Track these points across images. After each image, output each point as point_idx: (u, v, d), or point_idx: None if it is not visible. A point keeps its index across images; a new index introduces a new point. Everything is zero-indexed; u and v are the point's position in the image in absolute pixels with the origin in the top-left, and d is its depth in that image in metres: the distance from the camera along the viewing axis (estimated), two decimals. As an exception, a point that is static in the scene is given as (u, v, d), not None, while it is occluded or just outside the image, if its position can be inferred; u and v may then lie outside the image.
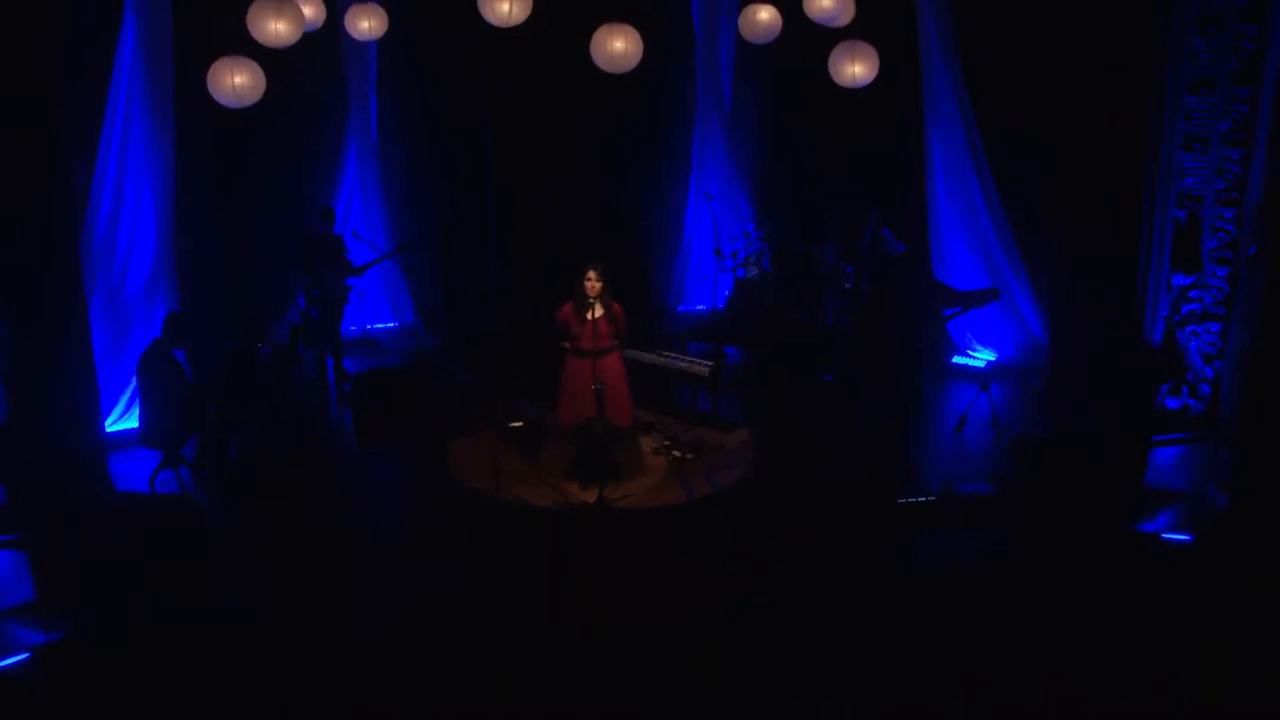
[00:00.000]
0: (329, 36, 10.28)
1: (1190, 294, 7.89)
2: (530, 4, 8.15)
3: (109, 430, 9.03)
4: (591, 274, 8.05)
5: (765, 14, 9.45)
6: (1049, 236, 8.85)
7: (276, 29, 7.92)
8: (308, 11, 8.92)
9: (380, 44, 11.08)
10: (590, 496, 8.02)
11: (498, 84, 11.14)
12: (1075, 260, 8.29)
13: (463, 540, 7.49)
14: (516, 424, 8.57)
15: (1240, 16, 7.42)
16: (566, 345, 8.32)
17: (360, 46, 10.97)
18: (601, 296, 8.10)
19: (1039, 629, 6.46)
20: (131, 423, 9.11)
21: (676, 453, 8.86)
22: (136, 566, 6.83)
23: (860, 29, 8.92)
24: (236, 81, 7.89)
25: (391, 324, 11.99)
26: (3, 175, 7.86)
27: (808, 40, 9.34)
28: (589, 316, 8.12)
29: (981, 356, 10.65)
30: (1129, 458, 7.93)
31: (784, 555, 7.30)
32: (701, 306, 12.21)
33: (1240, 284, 7.71)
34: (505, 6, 8.06)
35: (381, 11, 9.53)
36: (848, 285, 10.32)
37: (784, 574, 7.09)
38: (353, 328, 11.71)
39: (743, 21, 9.56)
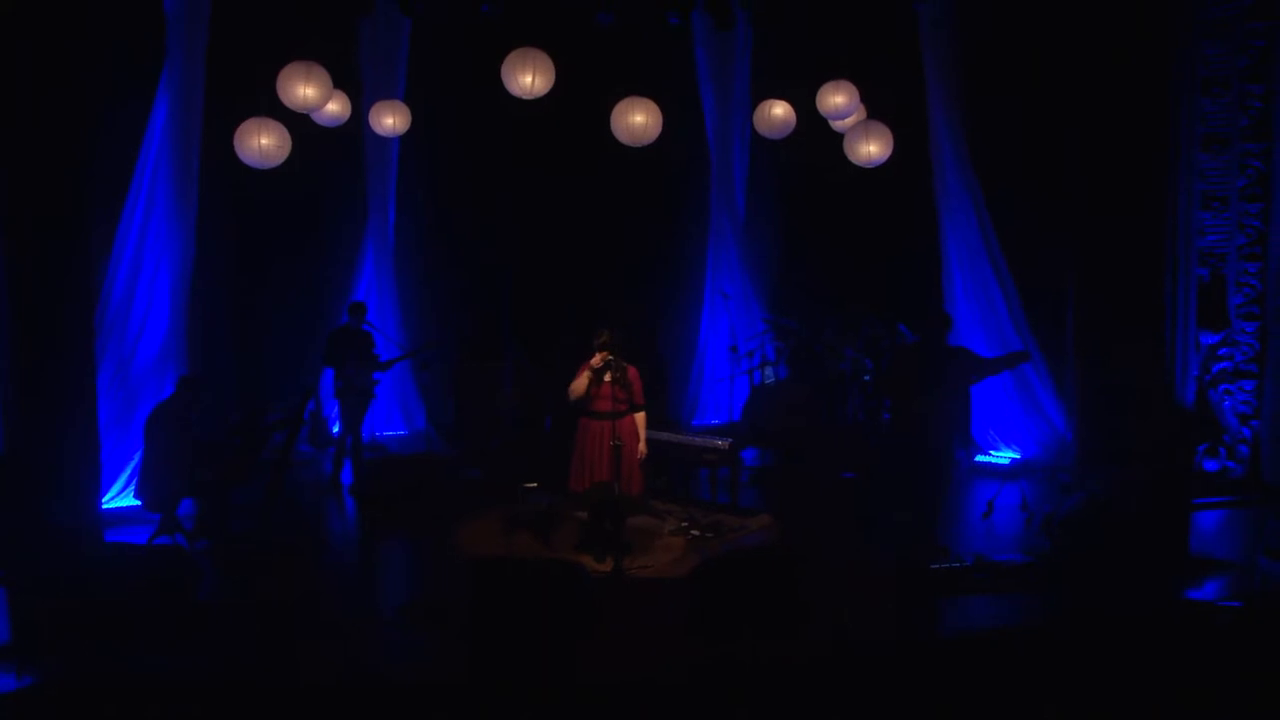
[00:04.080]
0: (353, 136, 10.58)
1: (1219, 352, 7.76)
2: (551, 78, 8.41)
3: (106, 506, 8.73)
4: (598, 346, 7.94)
5: (780, 110, 9.70)
6: (1072, 297, 8.71)
7: (305, 94, 8.16)
8: (334, 107, 9.23)
9: (402, 150, 11.38)
10: (606, 568, 7.64)
11: (516, 194, 11.38)
12: (1100, 324, 8.17)
13: (467, 598, 7.03)
14: (531, 485, 8.24)
15: (1244, 77, 7.61)
16: (583, 408, 8.14)
17: (383, 151, 11.27)
18: (614, 361, 7.94)
19: (1079, 695, 5.98)
20: (130, 500, 8.84)
21: (695, 532, 8.50)
22: (120, 612, 6.43)
23: (872, 122, 9.19)
24: (263, 142, 8.07)
25: (402, 431, 11.78)
26: (22, 242, 7.96)
27: (820, 139, 9.62)
28: (605, 379, 7.95)
29: (1005, 455, 10.39)
30: (1170, 522, 7.57)
31: (809, 614, 6.85)
32: (716, 421, 12.01)
33: (1271, 339, 7.57)
34: (528, 79, 8.32)
35: (405, 109, 9.83)
36: (866, 378, 10.18)
37: (808, 633, 6.65)
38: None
39: (758, 117, 9.82)
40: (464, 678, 6.21)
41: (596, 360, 7.83)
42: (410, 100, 10.19)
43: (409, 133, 10.11)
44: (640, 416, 8.02)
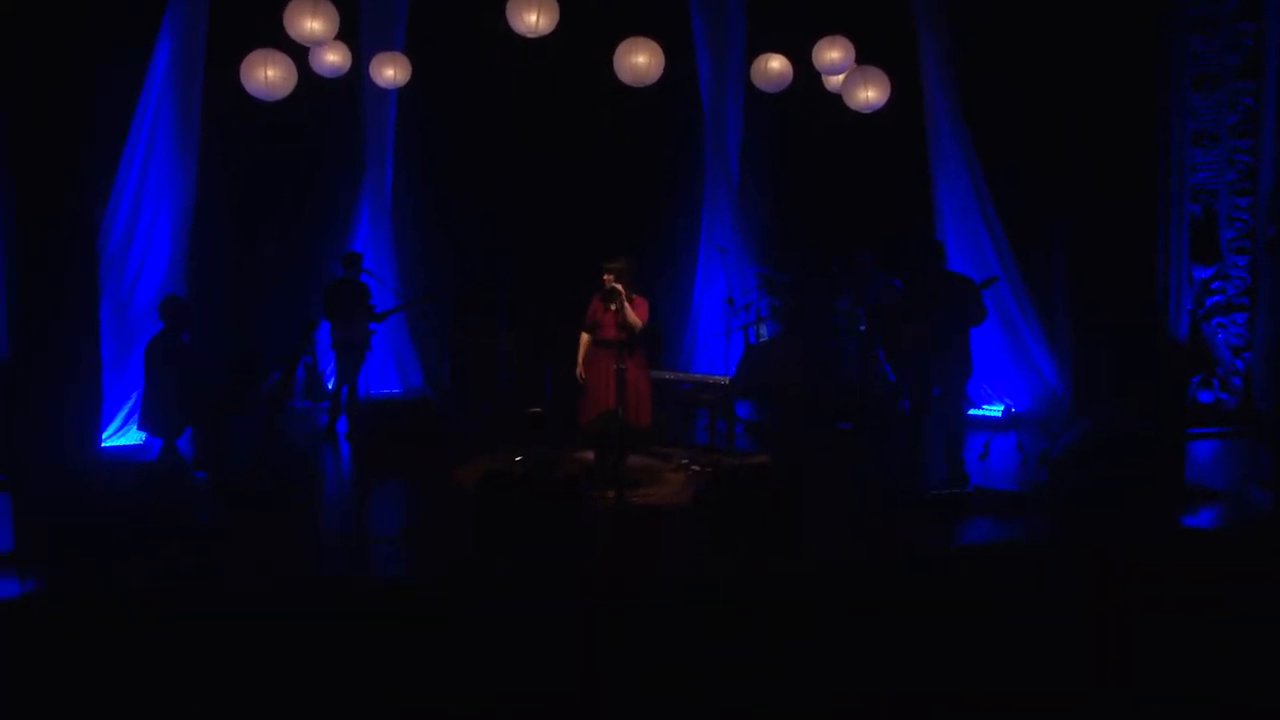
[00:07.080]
0: (353, 89, 10.62)
1: (1212, 286, 7.89)
2: (555, 16, 8.48)
3: (106, 444, 8.72)
4: (606, 269, 8.00)
5: (776, 63, 9.81)
6: (1066, 235, 8.84)
7: (312, 27, 8.20)
8: (334, 57, 9.27)
9: (400, 108, 11.41)
10: (608, 496, 7.68)
11: (514, 158, 11.45)
12: (1094, 258, 8.31)
13: (472, 507, 7.02)
14: (536, 410, 8.26)
15: (1237, 16, 7.78)
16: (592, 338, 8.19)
17: (381, 108, 11.30)
18: (618, 289, 7.99)
19: (1074, 612, 6.04)
20: (131, 438, 8.84)
21: (695, 468, 8.57)
22: (122, 519, 6.43)
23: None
24: (269, 74, 8.10)
25: (397, 390, 11.76)
26: (29, 178, 7.99)
27: (813, 106, 9.75)
28: (612, 307, 8.00)
29: (998, 408, 10.52)
30: (1166, 452, 7.68)
31: (808, 531, 6.90)
32: (711, 381, 12.05)
33: (1262, 273, 7.72)
34: (532, 17, 8.39)
35: (405, 61, 9.86)
36: (861, 328, 10.30)
37: (808, 547, 6.70)
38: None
39: (755, 70, 9.92)
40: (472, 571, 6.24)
41: (606, 279, 7.88)
42: (409, 56, 10.23)
43: (407, 91, 10.15)
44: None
